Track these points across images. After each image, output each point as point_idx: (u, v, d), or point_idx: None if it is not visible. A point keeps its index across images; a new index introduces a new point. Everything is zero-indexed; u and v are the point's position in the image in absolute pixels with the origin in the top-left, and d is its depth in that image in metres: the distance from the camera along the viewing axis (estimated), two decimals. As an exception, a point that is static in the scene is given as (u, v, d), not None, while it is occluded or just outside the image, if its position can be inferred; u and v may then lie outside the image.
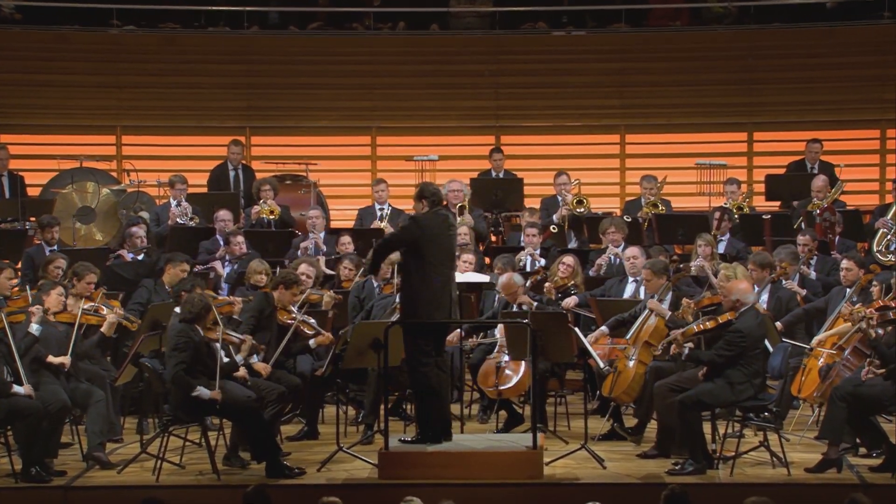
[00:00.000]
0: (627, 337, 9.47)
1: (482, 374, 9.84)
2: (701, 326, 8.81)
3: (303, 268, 10.39)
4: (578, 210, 13.13)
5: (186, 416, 8.66)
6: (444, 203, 8.68)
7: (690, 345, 8.92)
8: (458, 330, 9.79)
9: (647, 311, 9.45)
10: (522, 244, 12.30)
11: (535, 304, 10.03)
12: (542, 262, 11.60)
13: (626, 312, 9.65)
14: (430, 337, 8.58)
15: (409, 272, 8.57)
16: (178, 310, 9.21)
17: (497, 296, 10.55)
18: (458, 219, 12.51)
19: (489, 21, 16.00)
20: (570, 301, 10.75)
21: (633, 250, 10.97)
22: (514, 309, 9.98)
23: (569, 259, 10.91)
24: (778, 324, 9.94)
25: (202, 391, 8.50)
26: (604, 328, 9.66)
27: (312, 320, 9.73)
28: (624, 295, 10.74)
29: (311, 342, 9.67)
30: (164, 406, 8.84)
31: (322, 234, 12.61)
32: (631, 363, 9.29)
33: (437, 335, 8.65)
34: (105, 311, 9.60)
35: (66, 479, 8.65)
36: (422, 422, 8.71)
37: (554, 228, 13.06)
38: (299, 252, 12.26)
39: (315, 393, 9.79)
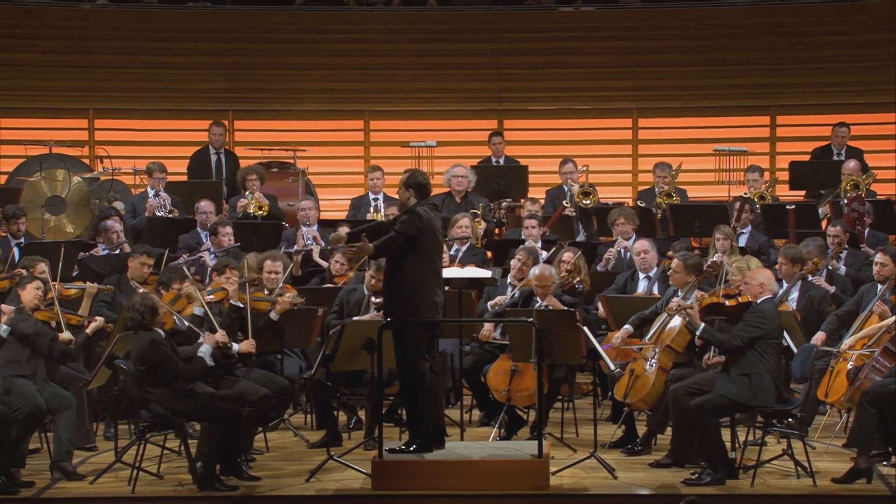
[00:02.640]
0: (647, 338, 9.41)
1: (493, 374, 9.82)
2: (719, 299, 8.71)
3: (267, 265, 10.35)
4: (584, 203, 13.12)
5: (183, 417, 8.65)
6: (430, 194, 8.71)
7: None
8: (491, 325, 9.79)
9: (665, 315, 9.35)
10: (524, 237, 12.28)
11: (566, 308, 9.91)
12: (545, 255, 11.57)
13: (647, 310, 9.57)
14: (423, 335, 8.57)
15: (399, 267, 8.57)
16: None
17: (511, 289, 10.50)
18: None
19: (491, -5, 16.01)
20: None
21: (644, 244, 10.91)
22: (540, 306, 9.90)
23: (566, 256, 10.87)
24: (820, 334, 9.81)
25: (229, 347, 8.90)
26: (628, 327, 9.55)
27: (264, 293, 9.78)
28: (637, 291, 10.70)
29: (272, 314, 9.71)
30: (140, 411, 8.82)
31: (315, 227, 12.59)
32: (650, 368, 9.23)
33: (431, 334, 8.63)
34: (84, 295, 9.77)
35: (33, 491, 8.63)
36: (413, 427, 8.71)
37: (566, 203, 13.02)
38: (295, 246, 12.25)
39: (321, 400, 9.78)
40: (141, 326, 8.57)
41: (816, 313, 10.37)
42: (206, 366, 8.74)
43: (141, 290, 9.62)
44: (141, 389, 8.59)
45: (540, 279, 9.97)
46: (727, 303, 8.69)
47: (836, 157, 13.98)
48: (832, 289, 10.78)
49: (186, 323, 9.19)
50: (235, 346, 9.26)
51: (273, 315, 9.83)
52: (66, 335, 9.24)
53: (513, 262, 11.00)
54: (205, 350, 8.79)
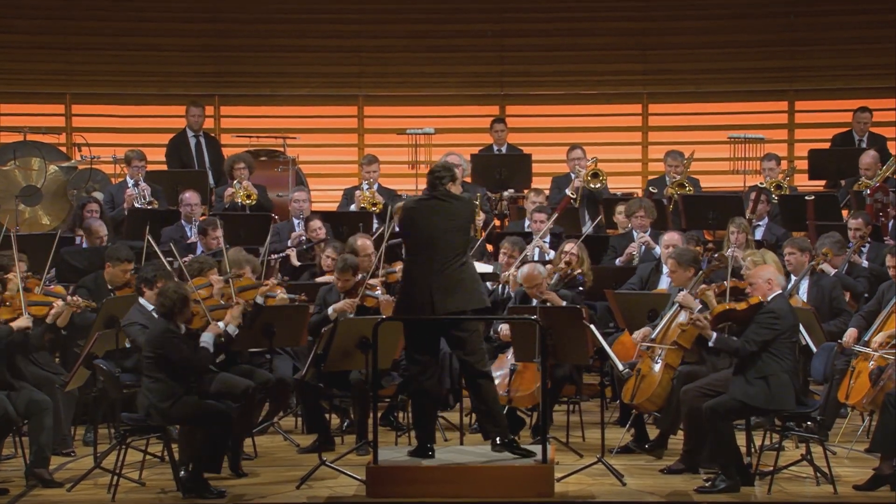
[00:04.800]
0: (653, 336, 9.44)
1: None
2: (729, 306, 8.75)
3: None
4: (593, 185, 13.12)
5: (171, 420, 8.65)
6: (449, 185, 8.67)
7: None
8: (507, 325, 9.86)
9: (675, 307, 9.41)
10: (528, 229, 12.27)
11: (564, 303, 9.94)
12: (552, 253, 11.58)
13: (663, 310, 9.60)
14: (413, 336, 8.60)
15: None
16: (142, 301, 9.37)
17: (506, 288, 10.51)
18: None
19: (493, -26, 16.00)
20: None
21: (674, 237, 10.86)
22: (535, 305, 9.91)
23: (570, 246, 10.88)
24: (853, 330, 9.78)
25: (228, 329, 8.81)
26: (648, 328, 9.56)
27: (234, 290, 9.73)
28: (658, 287, 10.69)
29: (257, 299, 9.66)
30: (121, 414, 8.82)
31: (301, 225, 12.59)
32: (657, 366, 9.26)
33: (424, 334, 8.61)
34: (53, 300, 9.65)
35: (8, 498, 8.62)
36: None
37: (572, 194, 13.04)
38: (289, 242, 12.23)
39: (310, 401, 9.79)
40: (168, 315, 8.58)
41: (828, 302, 10.38)
42: (210, 354, 8.73)
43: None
44: (142, 377, 8.55)
45: (528, 279, 10.02)
46: (738, 307, 8.70)
47: (857, 144, 13.96)
48: (843, 269, 10.77)
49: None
50: (232, 328, 9.23)
51: (258, 299, 9.70)
52: (21, 321, 9.07)
53: (500, 257, 11.03)
54: (207, 338, 8.76)
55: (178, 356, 8.51)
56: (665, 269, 10.79)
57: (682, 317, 9.26)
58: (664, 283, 10.71)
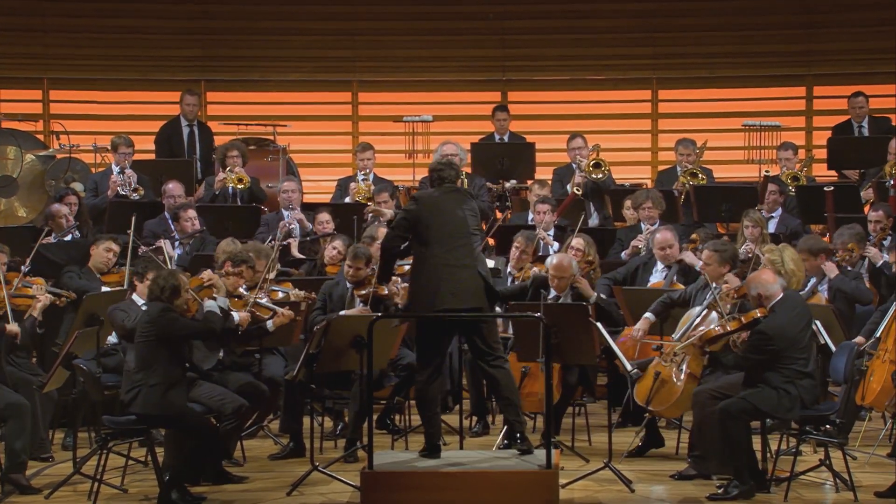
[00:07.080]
0: (675, 336, 9.35)
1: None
2: (722, 329, 8.74)
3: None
4: (596, 175, 13.12)
5: (158, 421, 8.64)
6: (460, 181, 8.82)
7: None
8: None
9: (705, 310, 9.28)
10: (531, 223, 12.27)
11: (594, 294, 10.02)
12: (556, 245, 11.61)
13: (674, 293, 9.55)
14: (423, 336, 8.59)
15: (414, 258, 8.70)
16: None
17: (512, 280, 10.52)
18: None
19: (494, -47, 15.99)
20: None
21: (667, 237, 10.84)
22: (551, 297, 9.91)
23: (577, 242, 10.88)
24: (859, 338, 9.80)
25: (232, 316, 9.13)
26: (649, 315, 9.55)
27: (265, 300, 9.77)
28: (649, 282, 10.70)
29: (269, 324, 9.71)
30: (102, 417, 8.81)
31: (299, 211, 12.59)
32: (682, 373, 9.16)
33: (435, 334, 8.62)
34: (33, 290, 9.67)
35: (-17, 506, 8.65)
36: None
37: (578, 190, 13.05)
38: (278, 232, 12.24)
39: (294, 401, 9.79)
40: (157, 300, 8.58)
41: (849, 302, 10.40)
42: (219, 317, 8.84)
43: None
44: (138, 370, 8.49)
45: (558, 269, 9.98)
46: (728, 328, 8.70)
47: (857, 131, 13.96)
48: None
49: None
50: (236, 317, 9.34)
51: (269, 325, 9.75)
52: (12, 327, 9.21)
53: (511, 251, 11.04)
54: (211, 304, 8.86)
55: (182, 326, 8.55)
56: (658, 266, 10.80)
57: (712, 321, 9.10)
58: (656, 278, 10.73)
